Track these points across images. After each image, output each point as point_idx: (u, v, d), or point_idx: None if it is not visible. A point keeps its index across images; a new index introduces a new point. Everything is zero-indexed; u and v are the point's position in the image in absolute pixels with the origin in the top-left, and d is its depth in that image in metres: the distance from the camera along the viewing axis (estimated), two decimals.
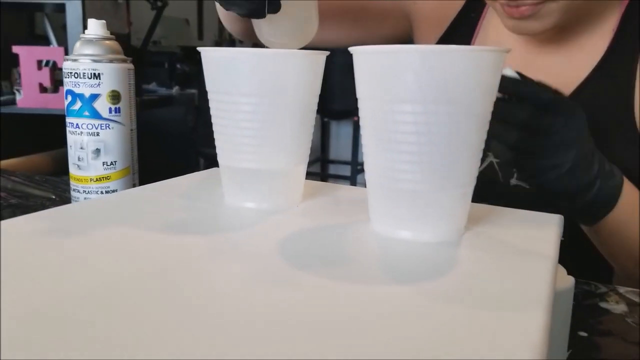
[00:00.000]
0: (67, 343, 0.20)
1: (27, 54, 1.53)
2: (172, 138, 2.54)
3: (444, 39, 0.72)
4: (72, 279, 0.26)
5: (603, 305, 0.43)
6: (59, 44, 1.89)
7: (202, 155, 2.64)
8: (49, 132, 1.37)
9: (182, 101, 2.44)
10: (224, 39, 3.71)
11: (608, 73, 0.60)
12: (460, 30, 0.71)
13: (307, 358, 0.20)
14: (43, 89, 1.56)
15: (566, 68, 0.62)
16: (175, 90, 2.40)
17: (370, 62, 0.32)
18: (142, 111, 2.00)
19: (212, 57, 0.38)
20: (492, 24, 0.70)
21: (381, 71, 0.31)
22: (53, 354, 0.19)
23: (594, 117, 0.56)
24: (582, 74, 0.61)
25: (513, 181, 0.63)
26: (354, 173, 2.98)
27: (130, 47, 2.06)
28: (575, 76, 0.61)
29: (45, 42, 1.98)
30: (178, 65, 2.55)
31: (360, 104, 0.34)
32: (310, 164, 0.44)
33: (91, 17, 0.58)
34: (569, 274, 0.34)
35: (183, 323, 0.22)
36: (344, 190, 0.46)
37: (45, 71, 1.55)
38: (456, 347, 0.21)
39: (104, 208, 0.38)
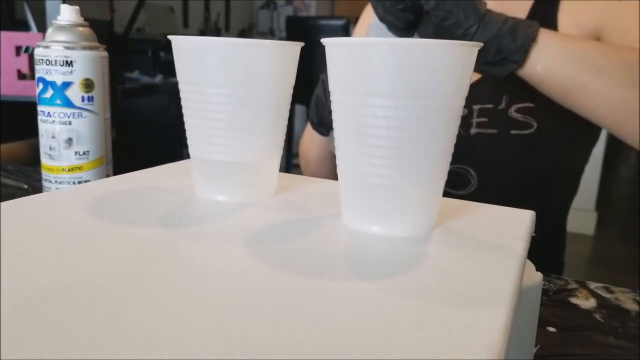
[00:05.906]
0: (38, 339, 0.19)
1: (5, 40, 1.49)
2: (154, 127, 2.52)
3: None
4: (39, 272, 0.25)
5: (573, 300, 0.43)
6: (39, 30, 1.85)
7: (184, 145, 2.62)
8: (27, 119, 1.34)
9: (166, 90, 2.41)
10: (210, 28, 3.68)
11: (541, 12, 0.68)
12: None
13: (266, 353, 0.19)
14: (21, 76, 1.53)
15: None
16: (158, 78, 2.38)
17: (341, 55, 0.32)
18: (124, 100, 1.97)
19: (183, 47, 0.37)
20: None
21: (352, 64, 0.31)
22: (25, 351, 0.18)
23: None
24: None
25: (473, 130, 0.68)
26: None
27: (113, 34, 2.03)
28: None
29: (25, 27, 1.94)
30: (162, 54, 2.51)
31: (332, 97, 0.34)
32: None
33: (71, 3, 0.57)
34: (538, 270, 0.34)
35: (149, 316, 0.21)
36: (318, 183, 0.45)
37: (24, 57, 1.51)
38: (412, 345, 0.20)
39: (73, 199, 0.37)
